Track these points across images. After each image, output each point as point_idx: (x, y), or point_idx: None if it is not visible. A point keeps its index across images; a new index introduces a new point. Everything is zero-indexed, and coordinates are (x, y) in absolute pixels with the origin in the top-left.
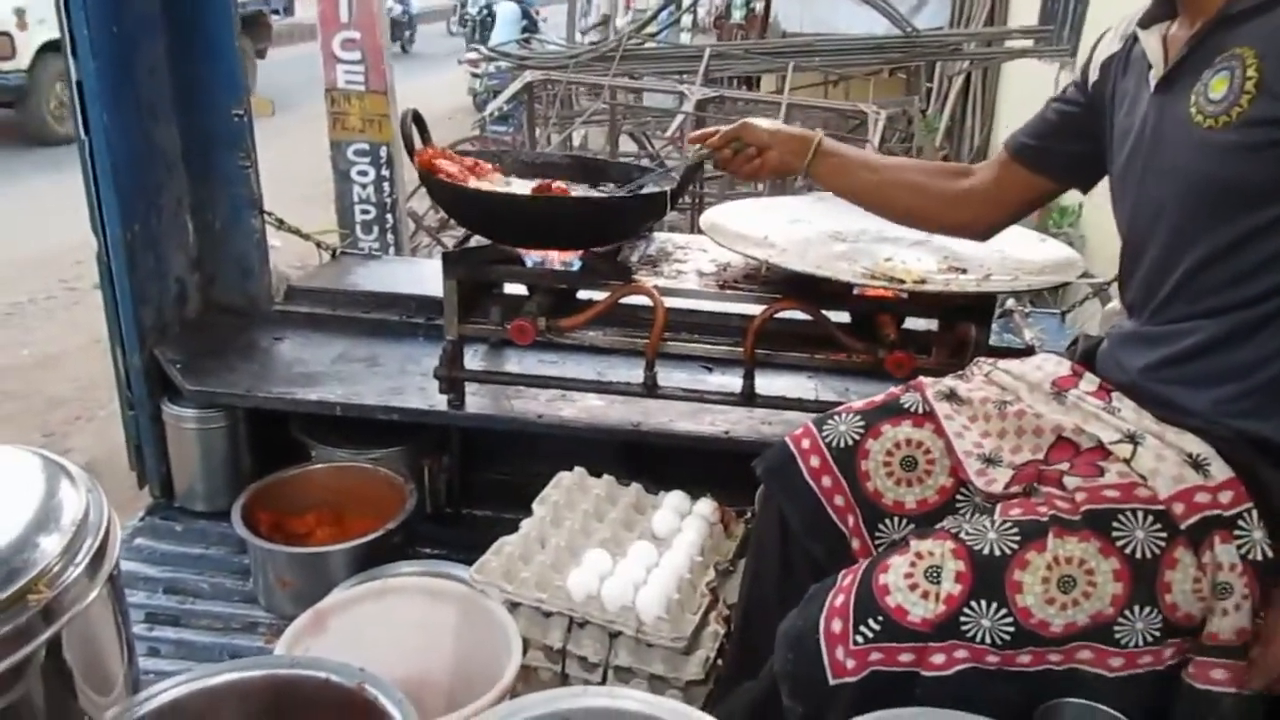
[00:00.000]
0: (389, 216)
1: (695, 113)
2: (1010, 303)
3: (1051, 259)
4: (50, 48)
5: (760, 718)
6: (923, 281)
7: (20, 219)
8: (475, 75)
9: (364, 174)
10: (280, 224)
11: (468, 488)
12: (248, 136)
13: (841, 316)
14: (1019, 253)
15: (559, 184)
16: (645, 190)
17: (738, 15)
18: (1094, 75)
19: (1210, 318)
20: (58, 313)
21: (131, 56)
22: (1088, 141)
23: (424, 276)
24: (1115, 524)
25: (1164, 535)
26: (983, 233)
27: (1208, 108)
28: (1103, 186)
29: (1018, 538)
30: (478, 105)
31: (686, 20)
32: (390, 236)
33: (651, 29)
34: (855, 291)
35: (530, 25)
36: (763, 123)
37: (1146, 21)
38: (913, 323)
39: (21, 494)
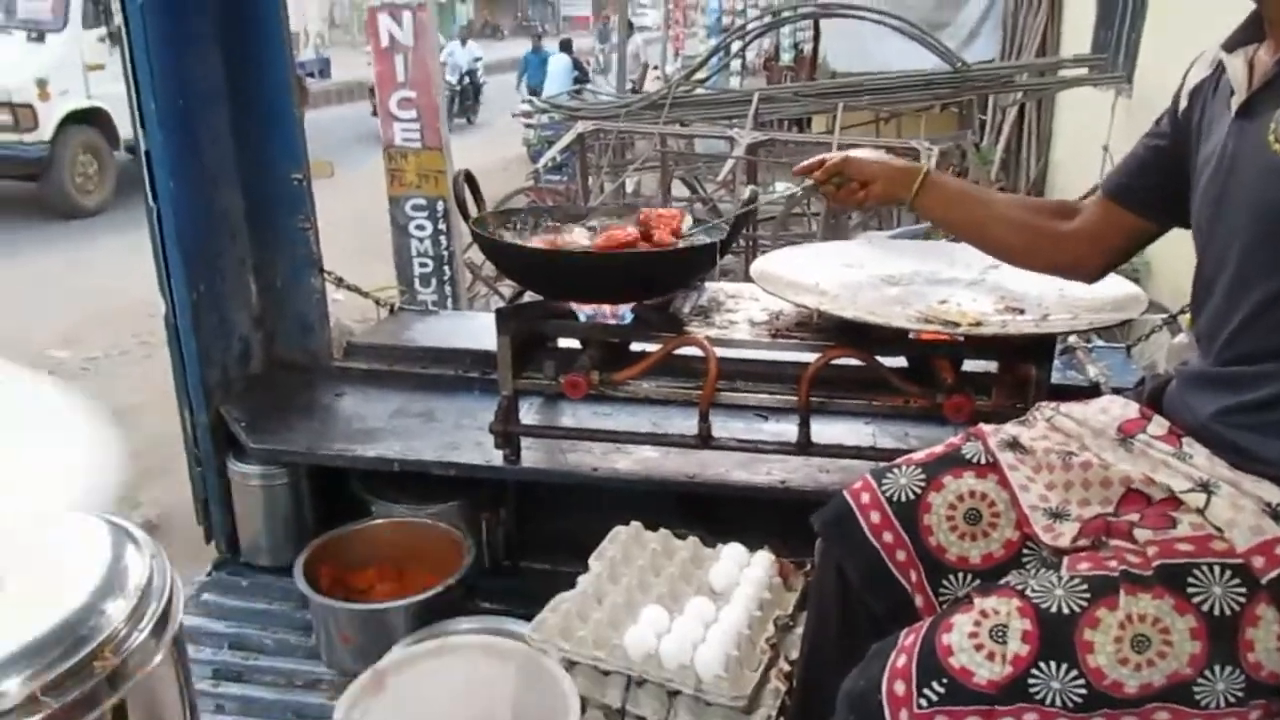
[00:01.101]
0: (446, 268)
1: (746, 156)
2: (1072, 339)
3: (1113, 295)
4: (73, 119)
5: None
6: (978, 324)
7: (93, 279)
8: (529, 126)
9: (421, 228)
10: (340, 282)
11: (525, 541)
12: (307, 199)
13: (897, 361)
14: (1078, 290)
15: (622, 232)
16: (695, 242)
17: (786, 57)
18: (1183, 104)
19: (1272, 361)
20: (131, 367)
21: (196, 127)
22: (1181, 176)
23: (479, 331)
24: (1190, 579)
25: (1243, 590)
26: (1090, 275)
27: None
28: None
29: (1087, 594)
30: (532, 156)
31: (735, 64)
32: (448, 288)
33: (701, 74)
34: (910, 336)
35: (581, 75)
36: (867, 154)
37: (1231, 45)
38: (972, 363)
39: (88, 560)
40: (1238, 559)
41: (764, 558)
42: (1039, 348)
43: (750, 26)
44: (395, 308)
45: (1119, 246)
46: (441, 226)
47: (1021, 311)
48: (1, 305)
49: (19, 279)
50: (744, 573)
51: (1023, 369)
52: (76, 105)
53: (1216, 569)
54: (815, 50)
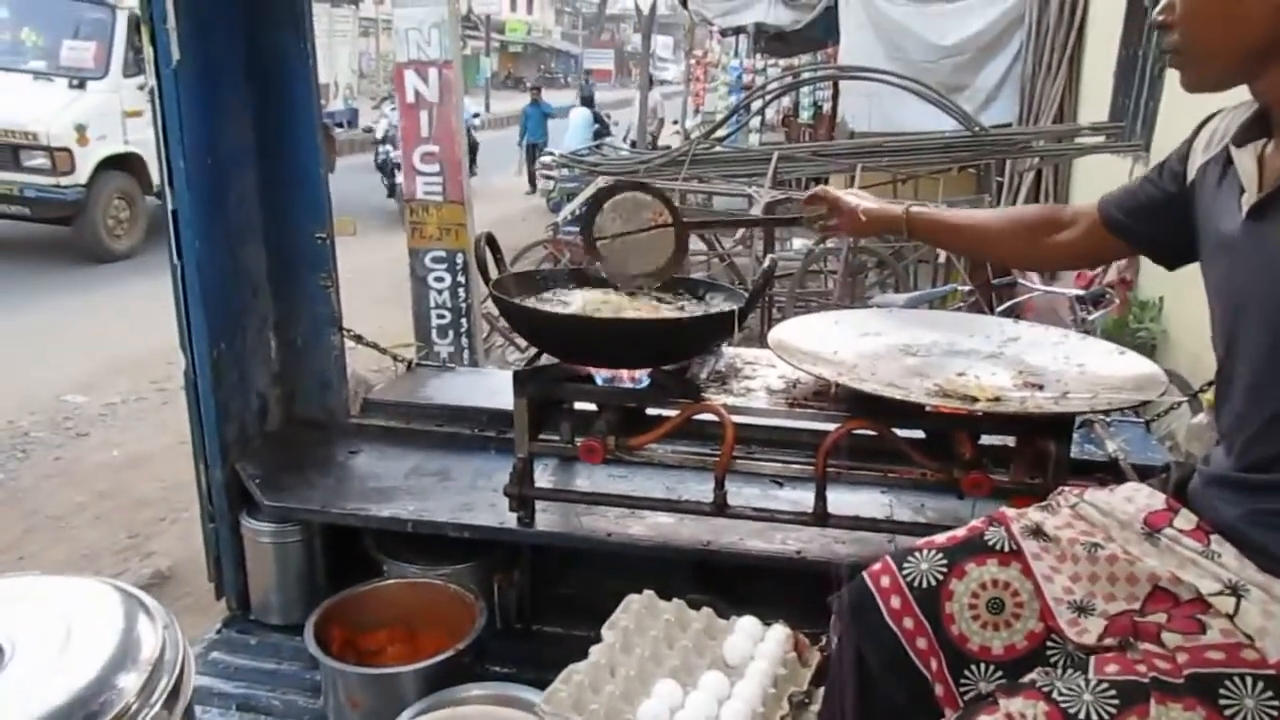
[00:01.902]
0: (464, 320)
1: (764, 216)
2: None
3: (1132, 374)
4: (109, 164)
5: None
6: (997, 399)
7: (116, 324)
8: (549, 179)
9: (440, 280)
10: (359, 340)
11: (538, 604)
12: (329, 257)
13: (915, 433)
14: (1098, 367)
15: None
16: (714, 309)
17: (805, 115)
18: (1191, 174)
19: None
20: (148, 414)
21: (224, 187)
22: (1175, 226)
23: (495, 388)
24: (1223, 691)
25: (1276, 704)
26: (1076, 268)
27: None
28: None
29: (1116, 701)
30: (551, 207)
31: (755, 122)
32: (465, 339)
33: (721, 132)
34: (928, 409)
35: (602, 129)
36: (854, 202)
37: (1241, 140)
38: (992, 436)
39: (101, 630)
40: (1270, 669)
41: (779, 632)
42: (1058, 426)
43: (771, 87)
44: (413, 364)
45: (1105, 259)
46: (460, 279)
47: (1040, 387)
48: (24, 349)
49: (43, 323)
50: (758, 647)
51: (1041, 444)
52: (113, 150)
53: (1249, 680)
54: (834, 110)
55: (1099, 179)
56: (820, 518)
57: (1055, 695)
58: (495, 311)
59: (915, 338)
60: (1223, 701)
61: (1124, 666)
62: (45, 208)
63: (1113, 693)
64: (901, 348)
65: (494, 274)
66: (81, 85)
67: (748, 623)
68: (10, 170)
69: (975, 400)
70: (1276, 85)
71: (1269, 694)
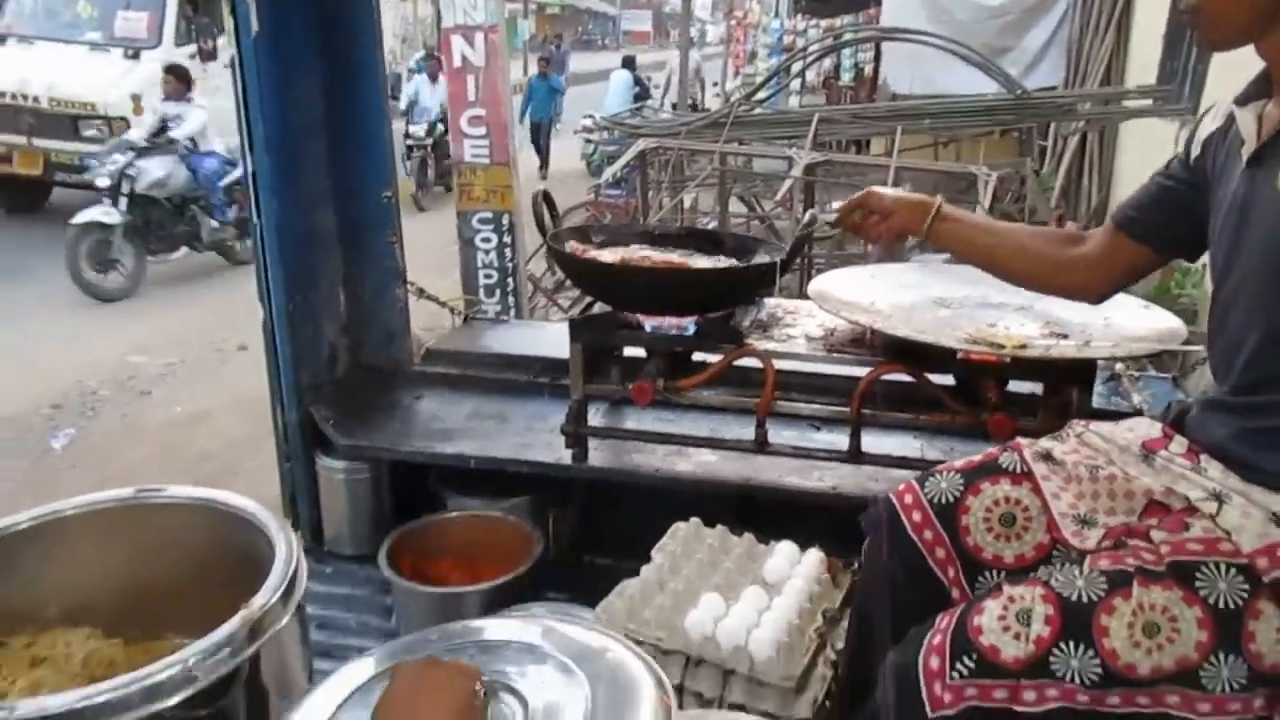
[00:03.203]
0: (510, 280)
1: (804, 176)
2: (1119, 367)
3: (1155, 327)
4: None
5: None
6: (1023, 347)
7: (170, 288)
8: (589, 141)
9: (487, 241)
10: (421, 293)
11: (590, 537)
12: (394, 217)
13: (946, 379)
14: (1123, 320)
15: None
16: (757, 261)
17: (847, 77)
18: (1195, 151)
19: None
20: (206, 374)
21: (298, 151)
22: (1189, 216)
23: (548, 339)
24: (1198, 575)
25: (1247, 588)
26: (1094, 298)
27: None
28: None
29: (1105, 586)
30: (591, 170)
31: (795, 84)
32: (511, 299)
33: (762, 95)
34: (959, 355)
35: (642, 92)
36: (887, 191)
37: (1243, 100)
38: (1019, 385)
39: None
40: (1243, 559)
41: (814, 555)
42: (1080, 371)
43: (812, 48)
44: (467, 317)
45: (1123, 272)
46: (507, 240)
47: (1065, 337)
48: (86, 313)
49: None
50: (795, 568)
51: (1066, 392)
52: None
53: (1223, 567)
54: (876, 72)
55: (1145, 144)
56: (855, 455)
57: (1052, 582)
58: (537, 273)
59: (950, 291)
60: (1198, 584)
61: (1114, 560)
62: None
63: (1102, 579)
64: (936, 300)
65: (550, 229)
66: (136, 55)
67: (786, 547)
68: (70, 140)
69: (1002, 347)
70: (1278, 45)
71: (1240, 579)
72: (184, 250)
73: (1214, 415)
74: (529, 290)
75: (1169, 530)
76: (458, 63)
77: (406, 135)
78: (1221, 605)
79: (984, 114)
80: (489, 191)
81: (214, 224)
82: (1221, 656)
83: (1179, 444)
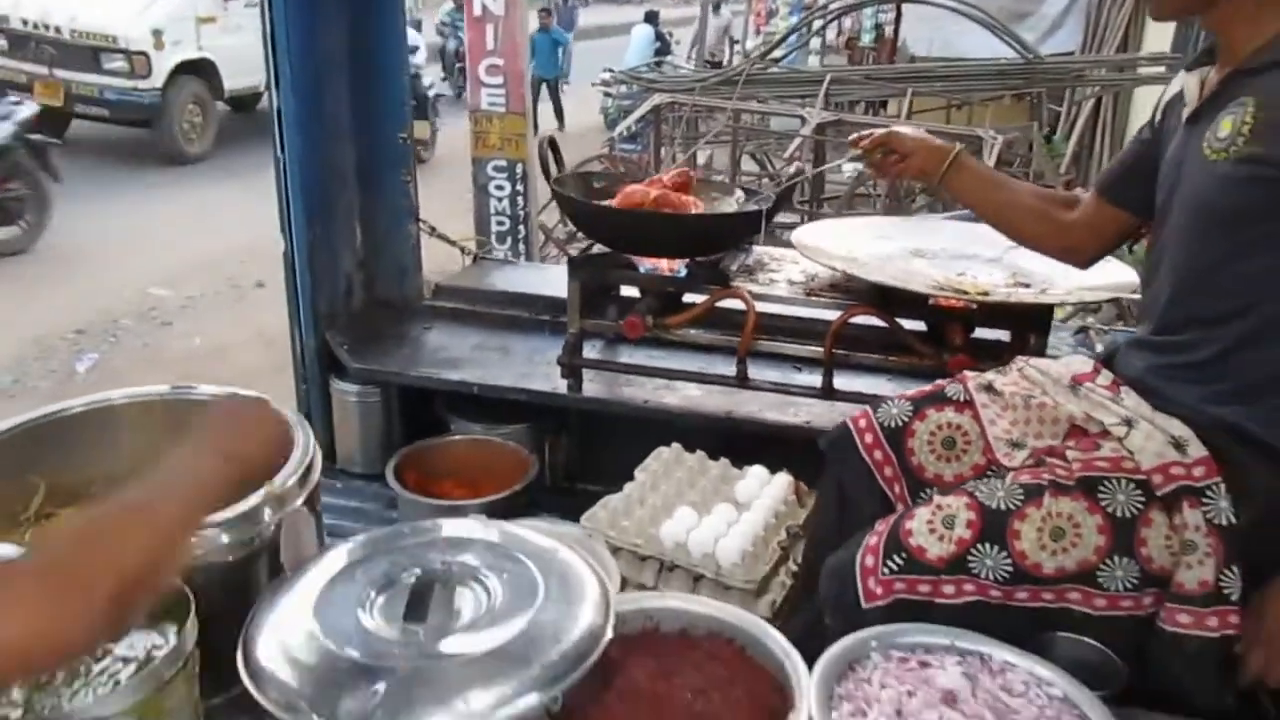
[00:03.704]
0: (522, 228)
1: (814, 136)
2: (1090, 320)
3: (1111, 280)
4: (184, 69)
5: (810, 636)
6: (986, 293)
7: (192, 225)
8: (608, 95)
9: (501, 188)
10: (432, 231)
11: (583, 466)
12: (409, 156)
13: (917, 325)
14: (1085, 273)
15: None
16: (743, 208)
17: (867, 38)
18: (1159, 116)
19: (1197, 329)
20: (225, 308)
21: (321, 89)
22: (1155, 173)
23: (550, 280)
24: (1101, 488)
25: (1143, 500)
26: (1084, 261)
27: (1215, 143)
28: None
29: (1021, 496)
30: (608, 124)
31: (816, 43)
32: (522, 246)
33: (778, 53)
34: (930, 302)
35: (663, 47)
36: (911, 131)
37: (1191, 66)
38: (986, 333)
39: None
40: (1142, 475)
41: (783, 478)
42: (1036, 317)
43: (831, 7)
44: (476, 257)
45: (1108, 237)
46: (520, 188)
47: (1028, 286)
48: (111, 245)
49: (126, 222)
50: (765, 489)
51: (1026, 337)
52: (187, 56)
53: (1124, 481)
54: (896, 33)
55: None
56: (828, 392)
57: (977, 493)
58: (549, 223)
59: (926, 243)
60: (1100, 496)
61: (1033, 475)
62: (123, 110)
63: (1020, 491)
64: (912, 251)
65: (555, 173)
66: None
67: (757, 470)
68: (91, 72)
69: (967, 293)
70: (1222, 19)
71: (1138, 492)
72: None
73: (1136, 352)
74: (540, 239)
75: (1082, 450)
76: (478, 12)
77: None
78: (1119, 515)
79: (994, 78)
80: (503, 140)
81: None
82: (1117, 559)
83: (1105, 377)
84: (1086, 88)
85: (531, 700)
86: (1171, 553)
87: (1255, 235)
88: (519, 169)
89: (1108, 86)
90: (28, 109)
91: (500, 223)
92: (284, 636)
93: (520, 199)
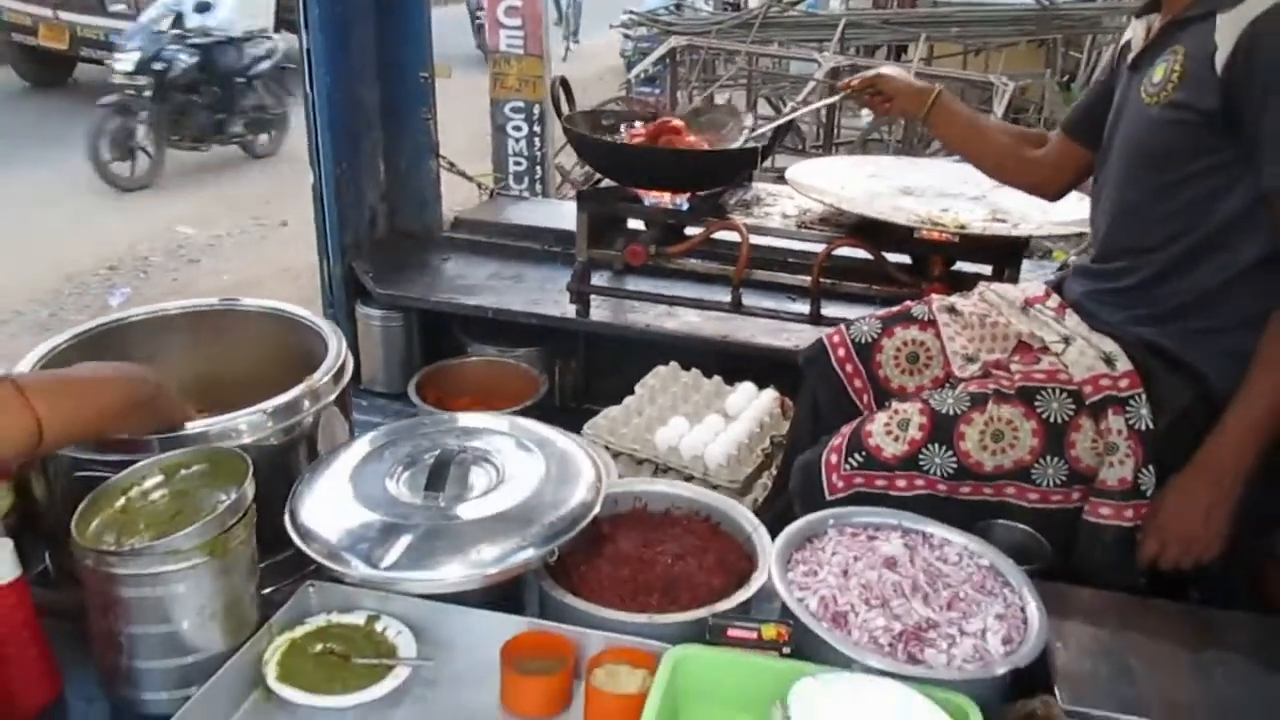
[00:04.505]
0: (539, 168)
1: (828, 80)
2: (1071, 258)
3: (1082, 215)
4: None
5: (781, 524)
6: (964, 227)
7: (208, 169)
8: (627, 38)
9: (518, 129)
10: (451, 166)
11: (589, 386)
12: (430, 95)
13: (902, 258)
14: (1057, 210)
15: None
16: (741, 146)
17: None
18: (1115, 59)
19: (1126, 258)
20: (250, 246)
21: (347, 31)
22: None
23: (561, 214)
24: (1038, 397)
25: (1073, 408)
26: (1051, 195)
27: (1149, 88)
28: None
29: (968, 403)
30: (628, 67)
31: None
32: (539, 186)
33: None
34: (914, 236)
35: None
36: (897, 73)
37: (1140, 12)
38: (969, 267)
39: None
40: (1074, 386)
41: (769, 393)
42: (1009, 249)
43: None
44: (493, 192)
45: (1071, 172)
46: (537, 129)
47: (1004, 221)
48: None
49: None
50: (752, 403)
51: (1005, 273)
52: None
53: (1058, 390)
54: None
55: None
56: (815, 319)
57: (930, 400)
58: (566, 165)
59: (915, 182)
60: (1037, 404)
61: (979, 385)
62: None
63: (967, 398)
64: (901, 189)
65: (566, 112)
66: None
67: (746, 386)
68: (96, 15)
69: (946, 227)
70: None
71: (1069, 400)
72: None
73: (1079, 278)
74: (557, 180)
75: (1024, 363)
76: None
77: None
78: (1052, 420)
79: (1010, 24)
80: (521, 81)
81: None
82: (1049, 459)
83: (1053, 300)
84: (1107, 34)
85: (530, 554)
86: (1097, 454)
87: (1180, 175)
88: (536, 110)
89: (1120, 33)
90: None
91: (518, 163)
92: (324, 503)
93: (537, 139)
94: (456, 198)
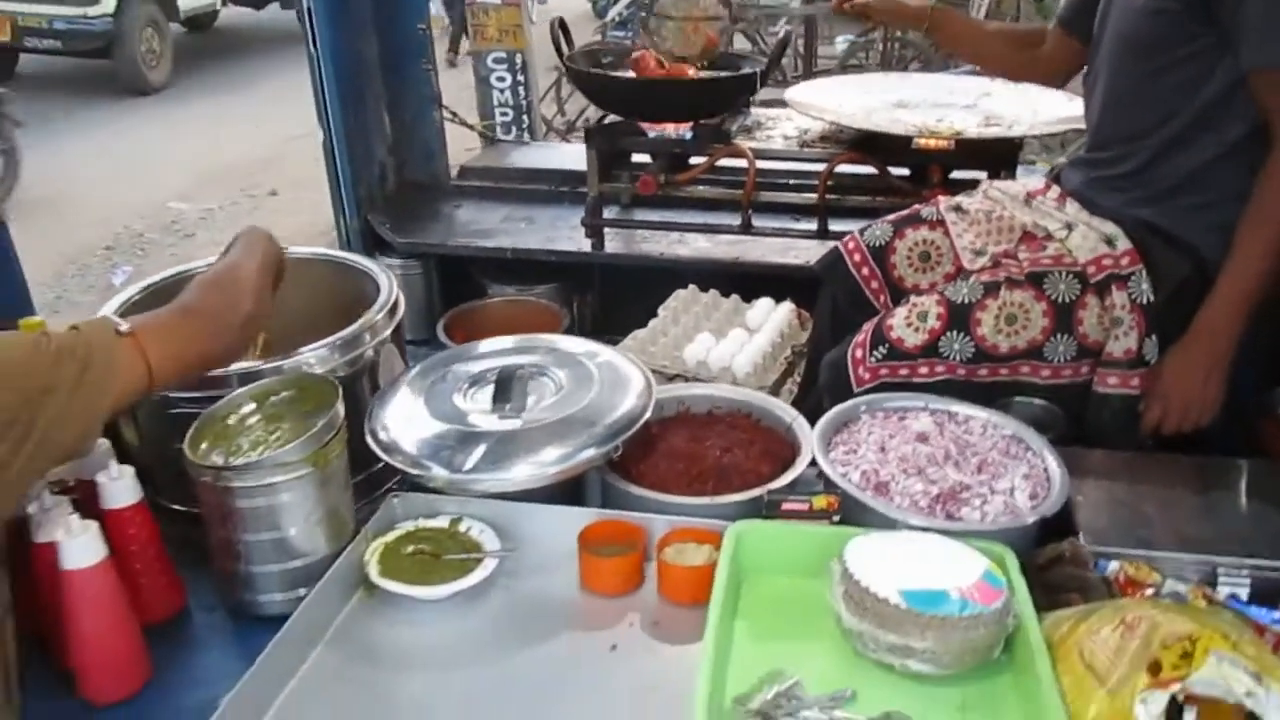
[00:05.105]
0: (525, 117)
1: (804, 8)
2: (1061, 159)
3: (1074, 112)
4: None
5: (812, 419)
6: (960, 134)
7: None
8: None
9: (502, 79)
10: (454, 116)
11: (607, 317)
12: (429, 46)
13: (902, 170)
14: (1048, 111)
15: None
16: (738, 73)
17: None
18: None
19: (1121, 145)
20: (243, 217)
21: None
22: None
23: (563, 156)
24: (1046, 281)
25: (1079, 288)
26: (1059, 84)
27: None
28: None
29: (981, 291)
30: (598, 11)
31: None
32: (526, 135)
33: None
34: (912, 146)
35: None
36: None
37: None
38: (966, 175)
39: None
40: (1079, 268)
41: (786, 305)
42: (1005, 151)
43: None
44: (493, 140)
45: (1069, 65)
46: (520, 78)
47: (997, 126)
48: (112, 169)
49: (119, 148)
50: (771, 316)
51: (1001, 175)
52: None
53: (1064, 273)
54: None
55: None
56: (822, 234)
57: (945, 292)
58: (548, 115)
59: (909, 95)
60: (1045, 287)
61: (990, 274)
62: (75, 40)
63: (980, 287)
64: (896, 103)
65: (566, 52)
66: None
67: (764, 301)
68: (38, 2)
69: (943, 135)
70: None
71: (1075, 281)
72: None
73: (1076, 168)
74: (543, 129)
75: (1031, 251)
76: None
77: None
78: (1060, 301)
79: None
80: (501, 31)
81: None
82: (1059, 336)
83: (1053, 192)
84: None
85: (595, 452)
86: (1103, 329)
87: (1165, 62)
88: (518, 59)
89: None
90: None
91: (504, 113)
92: (400, 421)
93: (521, 89)
94: (451, 150)
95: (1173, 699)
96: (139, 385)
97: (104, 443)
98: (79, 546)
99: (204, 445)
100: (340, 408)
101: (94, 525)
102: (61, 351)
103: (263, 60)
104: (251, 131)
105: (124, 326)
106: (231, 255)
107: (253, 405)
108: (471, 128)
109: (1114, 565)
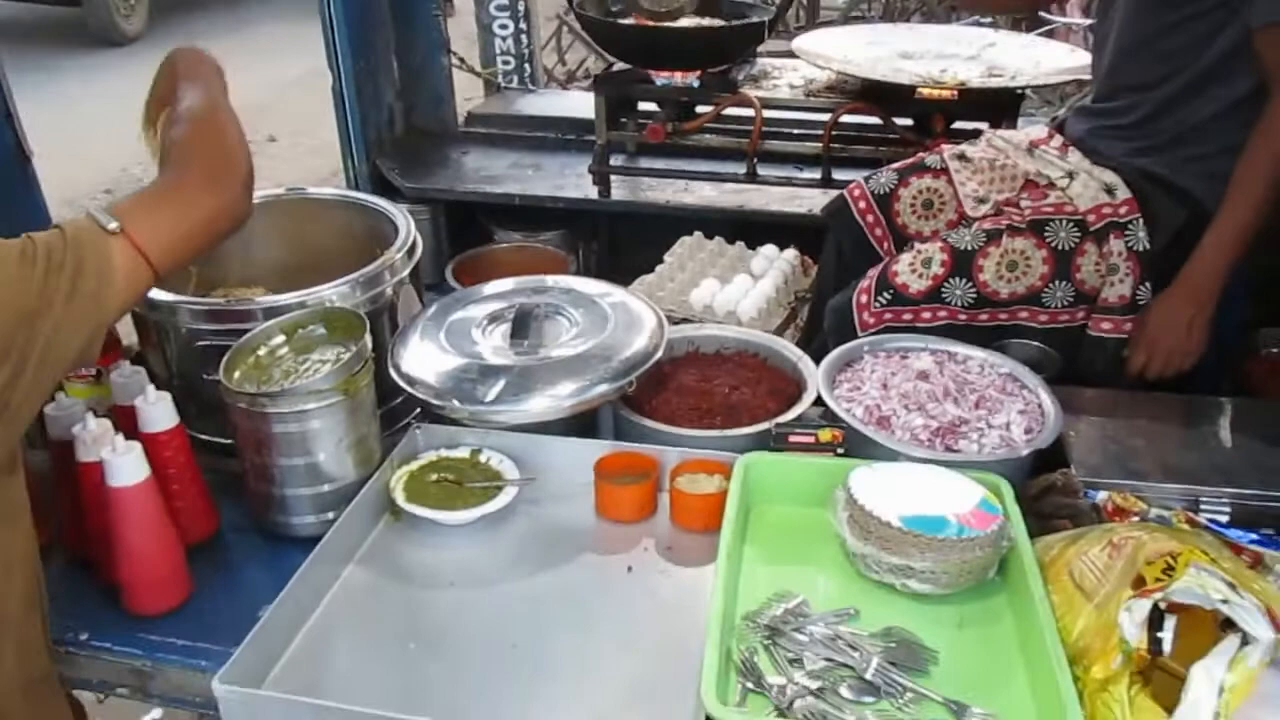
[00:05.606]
0: (527, 66)
1: None
2: (1062, 110)
3: (1075, 64)
4: None
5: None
6: (964, 84)
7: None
8: None
9: (504, 27)
10: (461, 62)
11: (613, 264)
12: None
13: (905, 121)
14: (1050, 62)
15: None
16: (748, 21)
17: None
18: None
19: (1126, 95)
20: None
21: None
22: None
23: (570, 104)
24: (1047, 228)
25: (1079, 235)
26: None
27: None
28: None
29: (984, 238)
30: None
31: None
32: (529, 84)
33: None
34: (916, 96)
35: None
36: None
37: None
38: (968, 125)
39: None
40: (1079, 216)
41: (791, 252)
42: (1007, 101)
43: None
44: (500, 87)
45: None
46: (523, 26)
47: (1000, 77)
48: (103, 117)
49: (102, 96)
50: (775, 262)
51: (1003, 125)
52: None
53: (1064, 221)
54: None
55: None
56: (826, 182)
57: (949, 239)
58: (549, 64)
59: (913, 46)
60: (1046, 234)
61: (993, 222)
62: None
63: (982, 234)
64: (901, 54)
65: None
66: None
67: (769, 248)
68: None
69: (946, 84)
70: None
71: (1075, 229)
72: None
73: (1080, 118)
74: (544, 80)
75: (1033, 199)
76: None
77: None
78: (1060, 248)
79: None
80: None
81: None
82: (1057, 283)
83: (1056, 141)
84: None
85: (610, 386)
86: (1100, 275)
87: (1177, 17)
88: (521, 6)
89: None
90: None
91: (506, 62)
92: (422, 356)
93: (524, 37)
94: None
95: (1155, 606)
96: (141, 285)
97: (140, 369)
98: (125, 464)
99: (237, 374)
100: (368, 339)
101: (138, 445)
102: (51, 264)
103: (246, 7)
104: (243, 79)
105: (113, 225)
106: (193, 94)
107: (282, 337)
108: (478, 74)
109: (1103, 495)
